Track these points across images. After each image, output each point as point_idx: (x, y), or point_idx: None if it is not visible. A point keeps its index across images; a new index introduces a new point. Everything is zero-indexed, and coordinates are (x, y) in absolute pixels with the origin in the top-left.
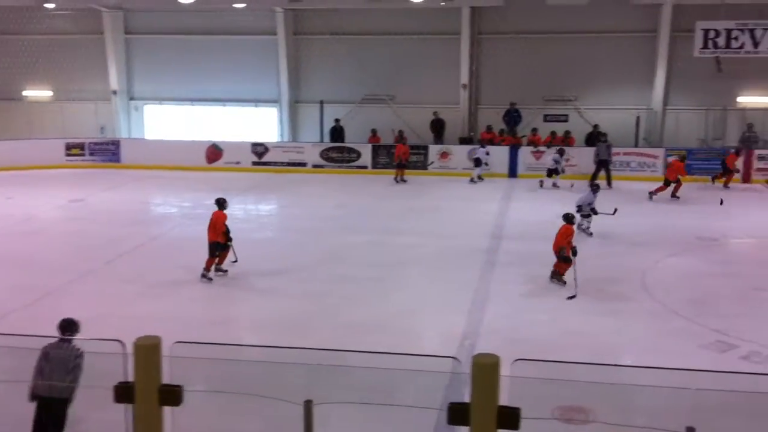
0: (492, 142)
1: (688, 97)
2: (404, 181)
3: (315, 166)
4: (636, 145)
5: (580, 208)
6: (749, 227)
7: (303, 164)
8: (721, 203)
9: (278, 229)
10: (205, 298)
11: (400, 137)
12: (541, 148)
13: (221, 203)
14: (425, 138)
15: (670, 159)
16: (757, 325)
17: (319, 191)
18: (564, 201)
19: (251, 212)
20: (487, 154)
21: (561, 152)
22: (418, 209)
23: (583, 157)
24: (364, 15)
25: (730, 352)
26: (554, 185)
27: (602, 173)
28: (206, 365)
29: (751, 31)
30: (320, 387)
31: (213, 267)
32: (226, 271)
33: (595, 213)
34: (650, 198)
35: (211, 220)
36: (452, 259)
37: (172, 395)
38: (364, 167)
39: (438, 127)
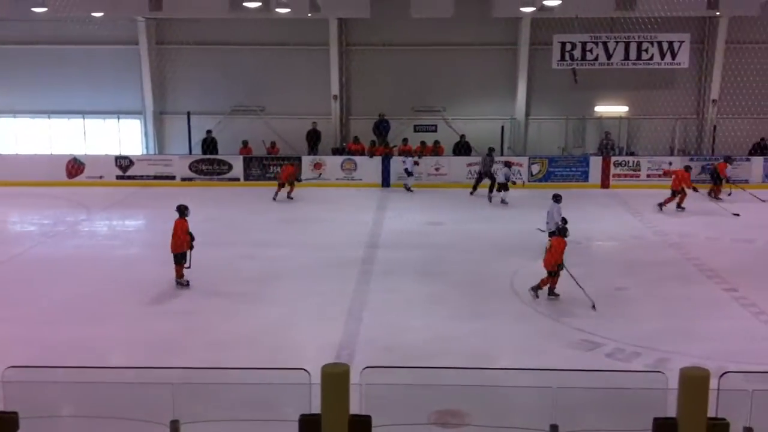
0: (361, 153)
1: (548, 107)
2: (291, 198)
3: (184, 179)
4: (501, 154)
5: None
6: (611, 230)
7: (171, 177)
8: (736, 215)
9: (144, 246)
10: (65, 318)
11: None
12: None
13: (182, 210)
14: (298, 149)
15: (673, 168)
16: (619, 324)
17: (188, 205)
18: (436, 209)
19: (116, 228)
20: (416, 164)
21: (508, 165)
22: (291, 221)
23: (452, 167)
24: (229, 25)
25: (596, 351)
26: (503, 201)
27: (485, 182)
28: (67, 389)
29: (605, 43)
30: (187, 406)
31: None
32: (187, 282)
33: (565, 222)
34: (660, 209)
35: (173, 229)
36: (327, 271)
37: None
38: (236, 179)
39: (314, 138)
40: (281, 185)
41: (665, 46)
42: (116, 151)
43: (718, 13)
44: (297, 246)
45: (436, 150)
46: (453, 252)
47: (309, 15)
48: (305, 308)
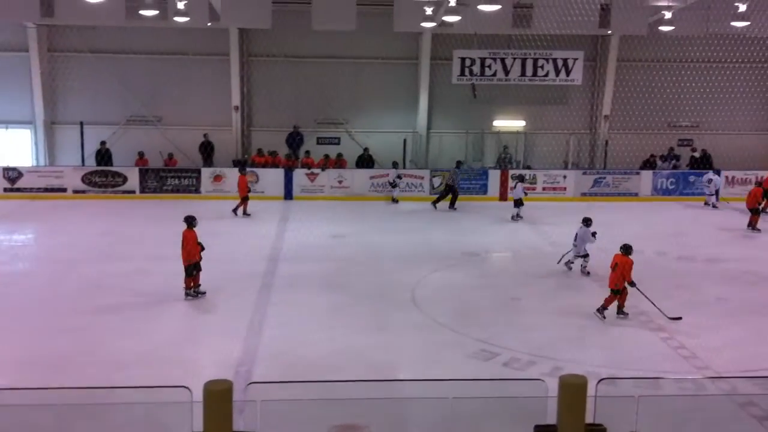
0: (265, 165)
1: (449, 121)
2: (247, 214)
3: (76, 192)
4: (404, 167)
5: (580, 255)
6: (508, 241)
7: (63, 189)
8: None
9: (34, 261)
10: None
11: (243, 168)
12: (315, 170)
13: (189, 221)
14: (196, 160)
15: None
16: (515, 333)
17: (81, 218)
18: (339, 222)
19: (2, 243)
20: (399, 177)
21: (521, 179)
22: None
23: (355, 179)
24: (125, 33)
25: (493, 360)
26: (518, 216)
27: (449, 196)
28: None
29: (503, 60)
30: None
31: (192, 287)
32: (204, 292)
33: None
34: (753, 230)
35: (182, 240)
36: (228, 285)
37: None
38: (132, 192)
39: (207, 150)
40: (245, 199)
41: (560, 63)
42: (4, 163)
43: (609, 32)
44: None
45: (339, 163)
46: (355, 264)
47: (209, 24)
48: (203, 324)
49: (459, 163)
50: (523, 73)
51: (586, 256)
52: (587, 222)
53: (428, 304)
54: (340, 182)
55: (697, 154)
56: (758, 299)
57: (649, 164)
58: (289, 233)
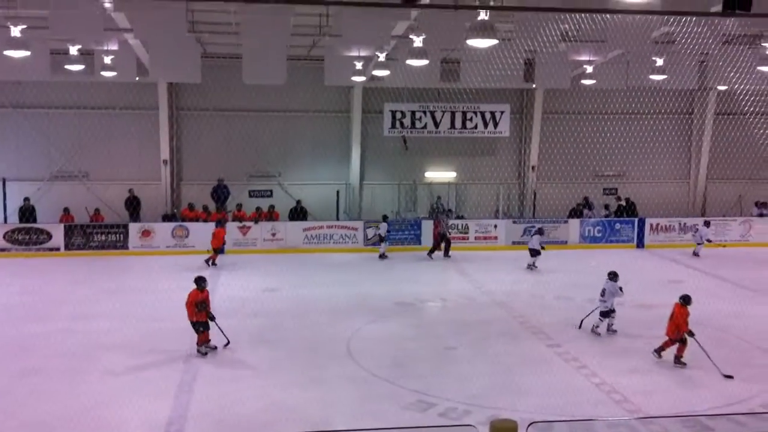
0: (196, 220)
1: (381, 173)
2: (215, 264)
3: None
4: (337, 219)
5: (605, 313)
6: (441, 291)
7: None
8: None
9: None
10: None
11: (221, 222)
12: (248, 224)
13: (197, 281)
14: (124, 216)
15: None
16: (451, 383)
17: (3, 277)
18: (272, 275)
19: None
20: (388, 231)
21: (540, 232)
22: (115, 291)
23: (288, 232)
24: (50, 88)
25: (430, 411)
26: (534, 266)
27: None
28: None
29: (432, 113)
30: None
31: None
32: (215, 347)
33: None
34: None
35: (187, 298)
36: (155, 343)
37: None
38: (56, 249)
39: (133, 205)
40: (217, 251)
41: (488, 115)
42: None
43: (534, 86)
44: (122, 318)
45: (272, 215)
46: (289, 318)
47: (137, 79)
48: (131, 383)
49: (449, 212)
50: (452, 126)
51: (612, 312)
52: (614, 276)
53: (364, 356)
54: (273, 235)
55: (622, 203)
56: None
57: (576, 213)
58: (221, 288)
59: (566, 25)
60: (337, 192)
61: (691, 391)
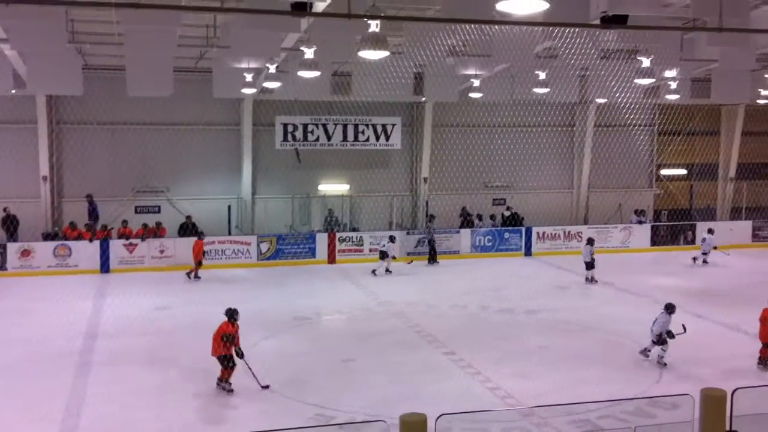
0: (79, 238)
1: (274, 186)
2: (198, 277)
3: None
4: (229, 233)
5: (659, 338)
6: (338, 303)
7: None
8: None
9: None
10: None
11: (200, 234)
12: (134, 241)
13: (230, 314)
14: (0, 236)
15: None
16: (350, 394)
17: None
18: (162, 293)
19: None
20: (391, 240)
21: (591, 242)
22: None
23: (178, 249)
24: None
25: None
26: (593, 279)
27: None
28: None
29: (324, 125)
30: None
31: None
32: (231, 390)
33: (672, 337)
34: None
35: (216, 330)
36: (38, 366)
37: None
38: None
39: (11, 224)
40: (199, 263)
41: (379, 128)
42: None
43: (423, 99)
44: (4, 341)
45: (158, 232)
46: (182, 336)
47: (13, 92)
48: (12, 410)
49: (432, 217)
50: (345, 138)
51: (664, 343)
52: (671, 309)
53: (261, 373)
54: (161, 252)
55: (507, 213)
56: (574, 346)
57: (467, 223)
58: (108, 307)
59: (453, 40)
60: (229, 206)
61: (583, 389)
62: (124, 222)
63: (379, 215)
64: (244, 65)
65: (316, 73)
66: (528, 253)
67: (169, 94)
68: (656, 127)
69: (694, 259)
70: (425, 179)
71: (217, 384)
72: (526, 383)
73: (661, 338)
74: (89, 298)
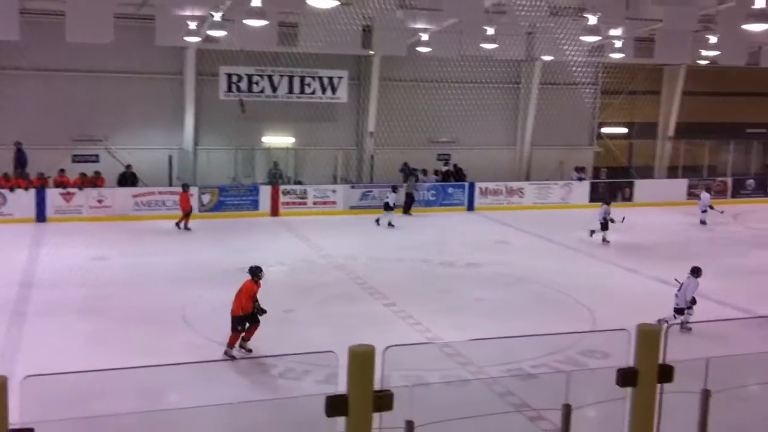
0: (14, 189)
1: (217, 137)
2: (189, 228)
3: None
4: (170, 185)
5: (692, 303)
6: (281, 256)
7: None
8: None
9: None
10: None
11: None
12: (71, 190)
13: (254, 272)
14: None
15: None
16: (290, 345)
17: None
18: (100, 244)
19: None
20: (394, 190)
21: (607, 201)
22: None
23: (117, 199)
24: None
25: (268, 373)
26: (605, 240)
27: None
28: None
29: (270, 77)
30: None
31: (237, 343)
32: (250, 350)
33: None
34: None
35: (239, 289)
36: None
37: None
38: None
39: None
40: (186, 214)
41: (326, 81)
42: None
43: (371, 52)
44: None
45: (96, 181)
46: (120, 287)
47: None
48: None
49: (415, 171)
50: (290, 91)
51: (688, 308)
52: (697, 273)
53: (201, 324)
54: (100, 202)
55: (447, 168)
56: (512, 299)
57: (406, 173)
58: (44, 257)
59: None
60: (170, 157)
61: (517, 341)
62: (61, 171)
63: (323, 169)
64: (187, 13)
65: (262, 22)
66: (471, 208)
67: (109, 41)
68: (599, 86)
69: (703, 220)
70: (371, 133)
71: (226, 353)
72: (462, 334)
73: (693, 302)
74: (24, 247)
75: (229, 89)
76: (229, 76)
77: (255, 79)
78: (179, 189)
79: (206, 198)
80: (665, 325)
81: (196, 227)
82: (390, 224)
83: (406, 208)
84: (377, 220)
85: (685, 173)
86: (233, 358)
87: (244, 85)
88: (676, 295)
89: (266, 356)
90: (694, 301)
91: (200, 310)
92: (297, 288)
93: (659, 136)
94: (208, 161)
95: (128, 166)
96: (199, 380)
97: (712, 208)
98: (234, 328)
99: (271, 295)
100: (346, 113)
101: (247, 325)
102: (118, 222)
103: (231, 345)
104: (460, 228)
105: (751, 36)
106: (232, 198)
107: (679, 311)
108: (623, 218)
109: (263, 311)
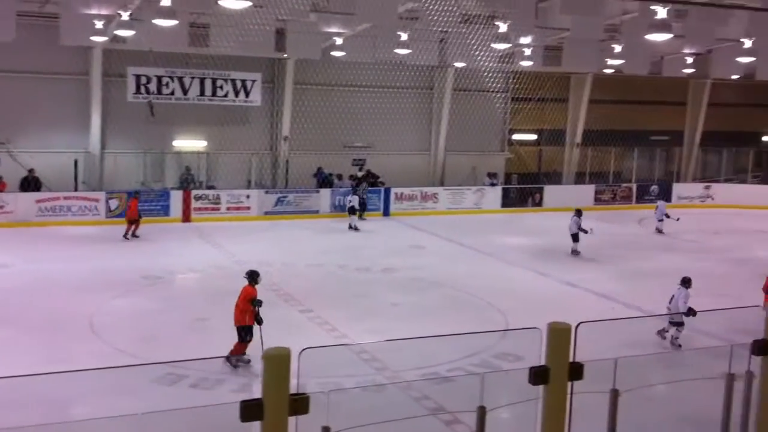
0: None
1: (125, 141)
2: (137, 236)
3: None
4: (76, 189)
5: (679, 323)
6: (193, 262)
7: None
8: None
9: None
10: None
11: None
12: None
13: (252, 276)
14: None
15: None
16: (203, 354)
17: None
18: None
19: None
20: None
21: (579, 213)
22: None
23: (19, 204)
24: None
25: (180, 383)
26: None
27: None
28: None
29: (180, 78)
30: None
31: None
32: (248, 360)
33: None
34: None
35: (239, 296)
36: None
37: None
38: None
39: None
40: (132, 222)
41: (239, 84)
42: None
43: (285, 55)
44: None
45: None
46: (23, 295)
47: None
48: None
49: (366, 176)
50: (202, 93)
51: (681, 324)
52: (687, 283)
53: (109, 332)
54: (1, 207)
55: (360, 173)
56: (427, 303)
57: (327, 183)
58: None
59: None
60: (75, 161)
61: (432, 346)
62: None
63: (237, 173)
64: (94, 11)
65: (172, 22)
66: (386, 213)
67: (11, 39)
68: (510, 93)
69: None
70: (286, 138)
71: (226, 360)
72: (380, 338)
73: (691, 312)
74: None
75: (138, 91)
76: (138, 77)
77: (165, 80)
78: (87, 194)
79: (114, 203)
80: (669, 337)
81: (102, 234)
82: (355, 228)
83: (361, 213)
84: (353, 227)
85: (592, 179)
86: (236, 367)
87: (153, 86)
88: (668, 308)
89: (174, 361)
90: (692, 312)
91: (108, 318)
92: (210, 295)
93: (567, 142)
94: (116, 165)
95: (31, 170)
96: (107, 391)
97: (668, 216)
98: (242, 339)
99: (183, 302)
100: (260, 117)
101: (253, 333)
102: (21, 228)
103: (235, 353)
104: (376, 233)
105: (653, 46)
106: (142, 203)
107: (678, 324)
108: (591, 229)
109: (261, 321)
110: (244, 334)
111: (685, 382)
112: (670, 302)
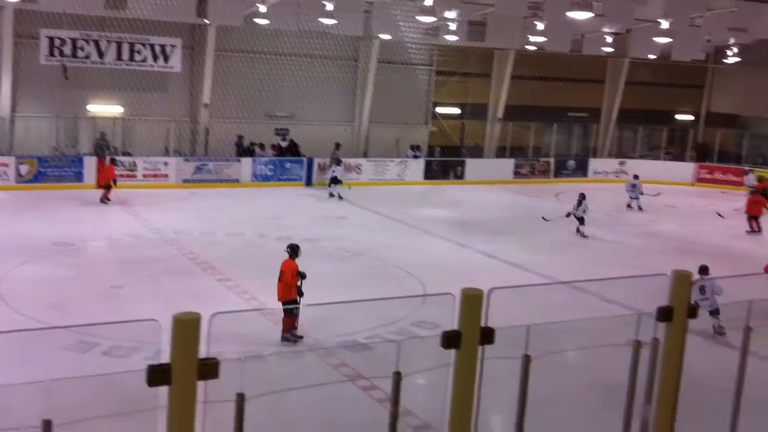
0: None
1: (37, 104)
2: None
3: None
4: None
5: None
6: (107, 230)
7: None
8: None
9: None
10: None
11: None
12: None
13: (294, 249)
14: None
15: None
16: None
17: None
18: None
19: None
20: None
21: (583, 197)
22: None
23: None
24: None
25: (92, 351)
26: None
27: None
28: None
29: (96, 42)
30: None
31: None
32: (301, 337)
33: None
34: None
35: (280, 271)
36: None
37: None
38: None
39: None
40: (108, 187)
41: (158, 49)
42: None
43: (207, 21)
44: None
45: None
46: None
47: None
48: None
49: (338, 145)
50: (119, 57)
51: (717, 311)
52: (704, 270)
53: (16, 299)
54: None
55: (284, 143)
56: (348, 273)
57: (248, 152)
58: None
59: None
60: None
61: (352, 313)
62: None
63: (155, 140)
64: None
65: None
66: (309, 183)
67: None
68: (434, 66)
69: (629, 206)
70: (206, 105)
71: (284, 339)
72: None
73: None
74: None
75: (51, 53)
76: (51, 39)
77: (80, 44)
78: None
79: (24, 169)
80: (715, 327)
81: (11, 199)
82: (339, 196)
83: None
84: (336, 195)
85: (513, 153)
86: (295, 342)
87: (68, 49)
88: (703, 299)
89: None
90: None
91: (15, 284)
92: (124, 263)
93: (489, 117)
94: (27, 129)
95: None
96: (15, 359)
97: (642, 194)
98: (288, 312)
99: (97, 269)
100: (180, 83)
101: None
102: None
103: (286, 329)
104: (298, 203)
105: (575, 24)
106: (54, 169)
107: (715, 312)
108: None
109: (302, 293)
110: (292, 308)
111: (595, 348)
112: (701, 293)
